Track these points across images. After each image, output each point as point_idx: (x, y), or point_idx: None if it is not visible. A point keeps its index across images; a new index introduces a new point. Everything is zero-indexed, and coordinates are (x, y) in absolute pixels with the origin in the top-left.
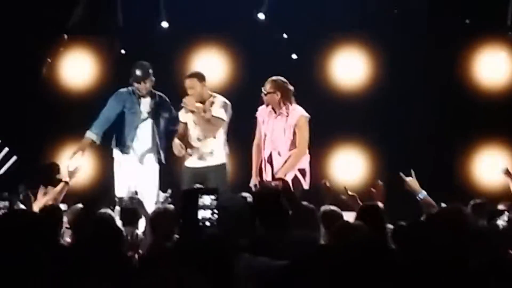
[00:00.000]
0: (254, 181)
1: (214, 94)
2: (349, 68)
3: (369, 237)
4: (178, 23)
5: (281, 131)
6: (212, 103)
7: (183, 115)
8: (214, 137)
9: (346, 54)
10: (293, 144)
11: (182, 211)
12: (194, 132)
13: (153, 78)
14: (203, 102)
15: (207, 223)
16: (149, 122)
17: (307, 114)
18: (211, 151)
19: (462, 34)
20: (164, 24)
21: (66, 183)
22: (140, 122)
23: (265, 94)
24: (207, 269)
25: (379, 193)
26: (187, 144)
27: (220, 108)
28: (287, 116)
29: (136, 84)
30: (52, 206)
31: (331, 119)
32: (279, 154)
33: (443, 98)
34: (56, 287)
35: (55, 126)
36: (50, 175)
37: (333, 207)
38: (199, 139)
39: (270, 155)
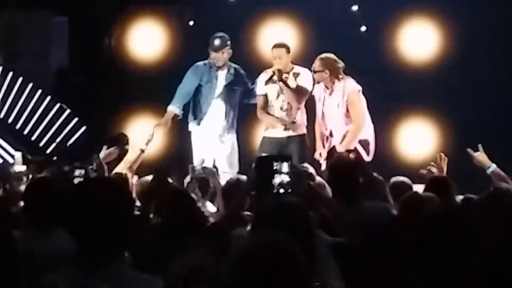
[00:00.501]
0: (318, 152)
1: (296, 66)
2: (419, 40)
3: (447, 208)
4: None
5: (336, 107)
6: (297, 73)
7: (263, 87)
8: (299, 108)
9: (415, 26)
10: (349, 119)
11: (256, 178)
12: (277, 102)
13: (231, 50)
14: (287, 73)
15: (282, 190)
16: (225, 94)
17: (358, 87)
18: (294, 121)
19: None
20: None
21: (142, 151)
22: (216, 95)
23: (314, 72)
24: (291, 234)
25: (440, 167)
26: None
27: (305, 79)
28: (339, 92)
29: (213, 54)
30: (119, 176)
31: (400, 91)
32: (337, 130)
33: None
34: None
35: (124, 96)
36: (119, 146)
37: (402, 178)
38: (282, 109)
39: (330, 132)
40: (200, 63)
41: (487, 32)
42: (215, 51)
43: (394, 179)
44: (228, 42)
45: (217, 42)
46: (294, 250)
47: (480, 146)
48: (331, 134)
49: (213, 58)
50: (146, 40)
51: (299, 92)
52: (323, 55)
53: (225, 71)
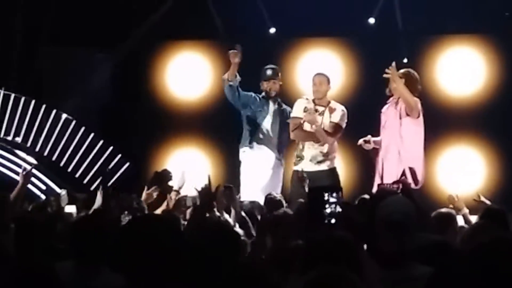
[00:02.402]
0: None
1: (332, 101)
2: (463, 70)
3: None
4: (287, 29)
5: (394, 116)
6: (333, 109)
7: (300, 113)
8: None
9: (459, 56)
10: (402, 136)
11: (308, 209)
12: (309, 133)
13: (281, 83)
14: (324, 106)
15: (333, 220)
16: (276, 124)
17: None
18: (325, 155)
19: None
20: (272, 30)
21: (177, 192)
22: (268, 124)
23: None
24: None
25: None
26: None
27: (340, 115)
28: (402, 104)
29: (265, 84)
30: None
31: (445, 122)
32: (388, 145)
33: None
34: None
35: (167, 132)
36: (163, 182)
37: (446, 210)
38: (315, 142)
39: (387, 146)
40: (254, 94)
41: None
42: (267, 80)
43: (438, 211)
44: (279, 74)
45: (269, 72)
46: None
47: None
48: (386, 150)
49: (265, 88)
50: (189, 74)
51: (331, 130)
52: (411, 70)
53: (276, 104)
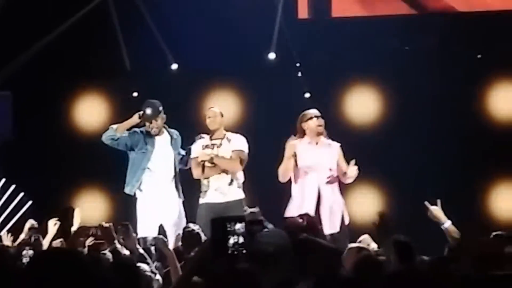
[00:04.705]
0: None
1: (228, 132)
2: (362, 105)
3: (400, 269)
4: (188, 64)
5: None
6: (229, 139)
7: (199, 152)
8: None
9: (358, 91)
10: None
11: (210, 240)
12: (212, 168)
13: (164, 116)
14: (221, 138)
15: (237, 251)
16: (168, 158)
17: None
18: (230, 184)
19: (474, 69)
20: (174, 66)
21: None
22: (155, 161)
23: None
24: None
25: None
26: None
27: (239, 143)
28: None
29: (147, 124)
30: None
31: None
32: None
33: (456, 132)
34: None
35: (70, 170)
36: (66, 220)
37: (359, 245)
38: (218, 173)
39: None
40: (137, 129)
41: (428, 96)
42: (148, 120)
43: (350, 246)
44: (160, 108)
45: (148, 111)
46: None
47: (438, 201)
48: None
49: (147, 127)
50: (91, 113)
51: (233, 157)
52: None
53: (162, 136)
